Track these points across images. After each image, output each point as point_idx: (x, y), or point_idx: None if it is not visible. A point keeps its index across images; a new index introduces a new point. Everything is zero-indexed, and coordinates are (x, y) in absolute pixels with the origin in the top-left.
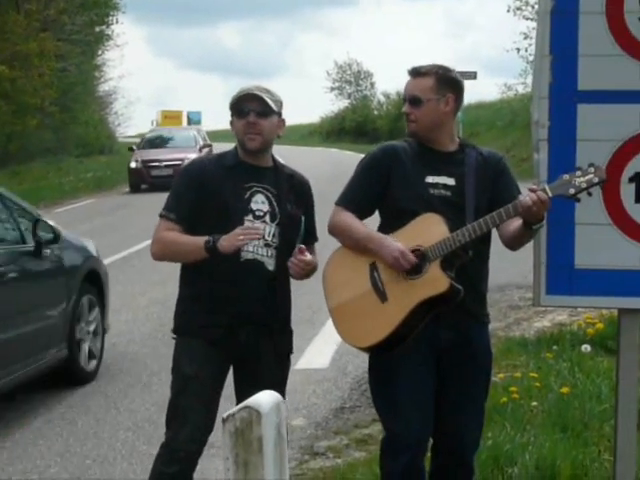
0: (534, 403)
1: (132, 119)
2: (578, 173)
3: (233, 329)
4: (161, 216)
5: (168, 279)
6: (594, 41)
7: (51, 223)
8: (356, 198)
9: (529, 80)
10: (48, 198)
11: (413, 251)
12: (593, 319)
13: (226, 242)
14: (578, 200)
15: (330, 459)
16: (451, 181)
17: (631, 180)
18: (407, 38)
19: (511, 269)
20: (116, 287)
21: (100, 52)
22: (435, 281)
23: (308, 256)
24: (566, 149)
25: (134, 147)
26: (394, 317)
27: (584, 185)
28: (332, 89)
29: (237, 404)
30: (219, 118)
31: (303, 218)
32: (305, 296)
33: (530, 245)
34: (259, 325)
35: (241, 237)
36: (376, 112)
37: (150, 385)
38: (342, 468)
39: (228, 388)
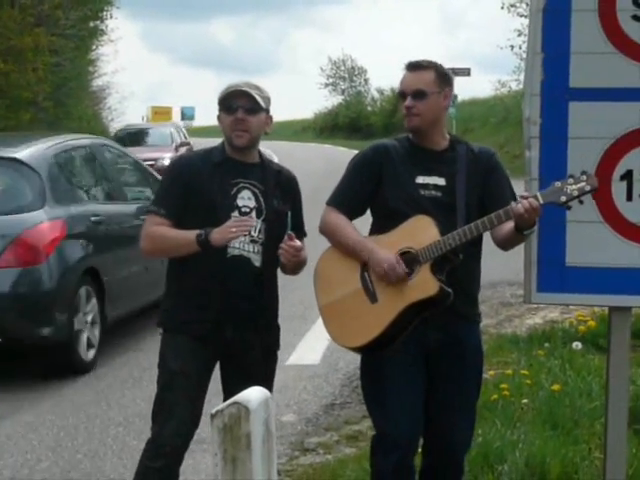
0: (525, 400)
1: (125, 114)
2: (570, 180)
3: (219, 325)
4: (150, 212)
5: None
6: (586, 39)
7: None
8: (347, 198)
9: (522, 77)
10: None
11: (404, 253)
12: (585, 317)
13: (218, 234)
14: (569, 208)
15: (320, 455)
16: (442, 181)
17: (622, 178)
18: (401, 35)
19: (503, 266)
20: None
21: (94, 47)
22: (425, 284)
23: (298, 242)
24: (558, 146)
25: None
26: (383, 318)
27: (576, 193)
28: (326, 85)
29: (224, 400)
30: (212, 113)
31: (289, 213)
32: (297, 291)
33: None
34: (245, 321)
35: (233, 229)
36: (370, 108)
37: (141, 380)
38: (332, 464)
39: (217, 384)
